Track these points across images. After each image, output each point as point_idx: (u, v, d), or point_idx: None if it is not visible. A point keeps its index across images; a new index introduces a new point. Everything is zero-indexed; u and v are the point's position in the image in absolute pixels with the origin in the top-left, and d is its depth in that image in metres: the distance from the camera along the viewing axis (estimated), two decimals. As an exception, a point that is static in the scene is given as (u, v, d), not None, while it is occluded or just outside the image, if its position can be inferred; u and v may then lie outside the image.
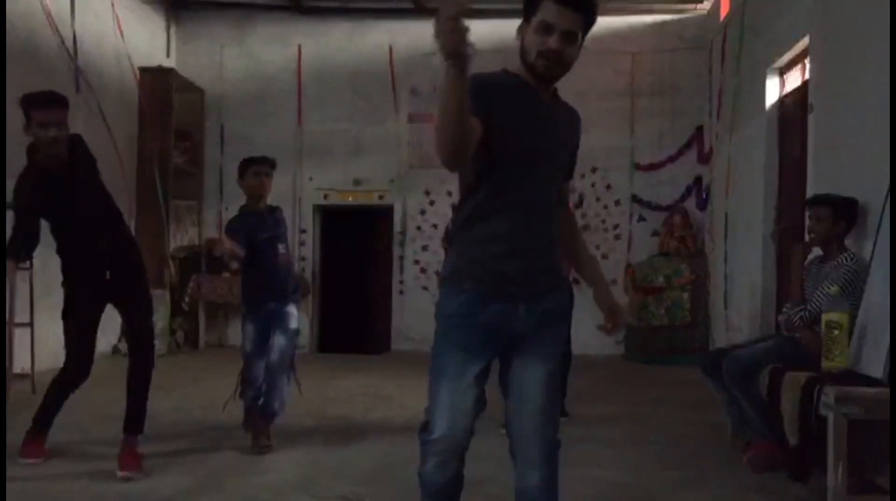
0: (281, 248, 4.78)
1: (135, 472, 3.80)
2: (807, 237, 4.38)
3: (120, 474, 3.78)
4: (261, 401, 4.52)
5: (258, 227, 4.62)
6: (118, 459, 3.86)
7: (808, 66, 5.78)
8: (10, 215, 5.68)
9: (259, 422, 4.51)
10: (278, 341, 4.58)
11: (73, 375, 4.15)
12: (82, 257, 4.06)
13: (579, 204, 9.47)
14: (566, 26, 2.25)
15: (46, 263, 6.95)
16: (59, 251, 4.08)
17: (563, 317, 2.48)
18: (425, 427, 2.33)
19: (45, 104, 3.86)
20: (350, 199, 9.75)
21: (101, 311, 4.19)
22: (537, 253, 2.30)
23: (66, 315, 4.12)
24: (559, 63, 2.27)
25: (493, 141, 2.18)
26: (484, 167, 2.24)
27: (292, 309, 4.72)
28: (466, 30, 2.03)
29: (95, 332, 4.21)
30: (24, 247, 3.95)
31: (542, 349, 2.33)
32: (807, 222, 4.42)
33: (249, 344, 4.72)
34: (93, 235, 4.01)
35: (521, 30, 2.39)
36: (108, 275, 4.07)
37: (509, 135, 2.23)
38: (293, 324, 4.67)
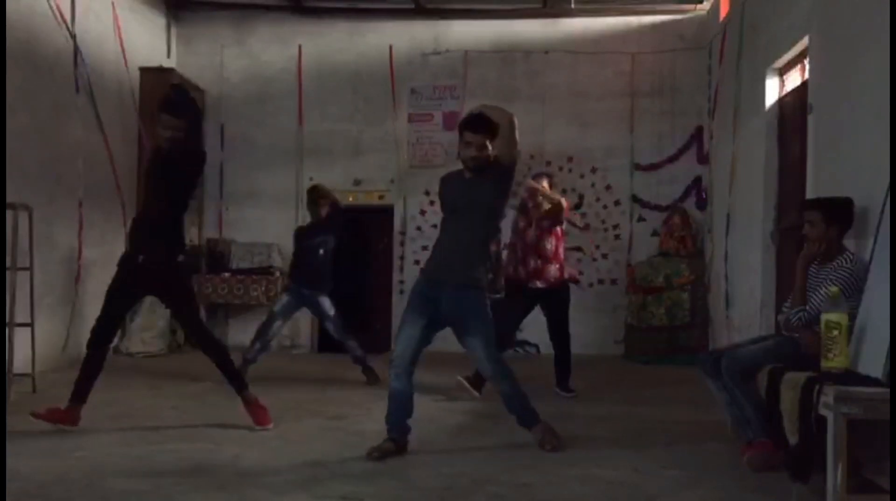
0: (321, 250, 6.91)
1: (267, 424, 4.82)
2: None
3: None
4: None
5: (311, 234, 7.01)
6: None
7: (807, 66, 5.79)
8: (10, 215, 5.74)
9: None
10: (327, 326, 7.07)
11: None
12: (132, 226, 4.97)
13: (579, 204, 9.49)
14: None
15: (46, 263, 6.99)
16: None
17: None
18: None
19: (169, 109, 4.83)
20: (350, 199, 9.74)
21: (127, 287, 4.80)
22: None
23: None
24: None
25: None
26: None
27: (323, 299, 6.92)
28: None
29: (114, 302, 4.78)
30: None
31: None
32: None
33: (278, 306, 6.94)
34: (142, 216, 4.89)
35: None
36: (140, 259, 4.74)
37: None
38: (330, 312, 6.95)
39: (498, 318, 6.37)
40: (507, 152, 4.35)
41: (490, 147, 4.29)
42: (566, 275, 6.55)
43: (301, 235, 7.12)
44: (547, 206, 6.43)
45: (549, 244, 6.39)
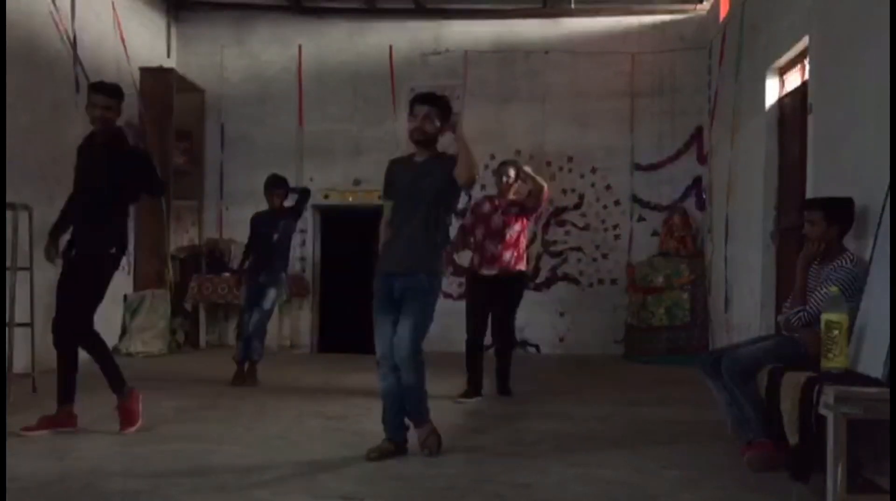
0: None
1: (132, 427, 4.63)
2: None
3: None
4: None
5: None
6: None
7: (807, 66, 5.79)
8: (10, 215, 5.74)
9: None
10: (252, 316, 6.70)
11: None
12: (71, 212, 4.77)
13: (579, 204, 9.49)
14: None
15: (46, 263, 6.97)
16: None
17: None
18: None
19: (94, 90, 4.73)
20: (350, 199, 9.75)
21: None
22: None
23: None
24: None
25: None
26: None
27: (270, 291, 6.74)
28: None
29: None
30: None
31: None
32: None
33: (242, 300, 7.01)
34: (80, 204, 4.70)
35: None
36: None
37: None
38: (266, 306, 6.73)
39: (476, 322, 6.21)
40: (465, 172, 4.13)
41: (436, 122, 4.19)
42: (521, 267, 6.22)
43: (267, 222, 6.92)
44: (516, 188, 6.17)
45: (514, 232, 6.10)
